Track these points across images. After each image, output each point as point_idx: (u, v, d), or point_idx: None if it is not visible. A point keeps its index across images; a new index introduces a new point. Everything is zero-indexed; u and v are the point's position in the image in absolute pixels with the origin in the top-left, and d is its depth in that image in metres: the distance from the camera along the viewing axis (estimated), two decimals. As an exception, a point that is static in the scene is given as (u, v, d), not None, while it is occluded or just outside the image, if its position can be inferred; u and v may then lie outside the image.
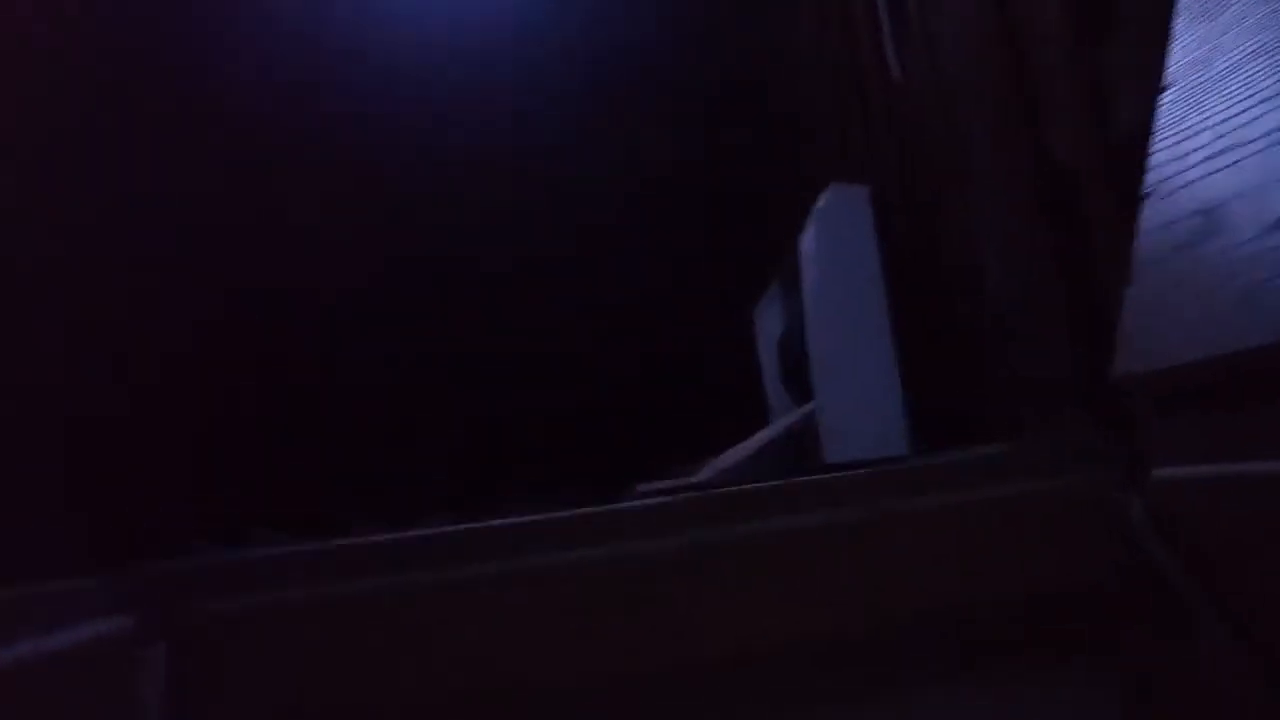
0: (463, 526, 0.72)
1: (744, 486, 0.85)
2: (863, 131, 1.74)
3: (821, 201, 1.64)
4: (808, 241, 1.64)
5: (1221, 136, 0.80)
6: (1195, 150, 0.84)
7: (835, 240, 1.63)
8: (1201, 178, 0.80)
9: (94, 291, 2.23)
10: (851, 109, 1.79)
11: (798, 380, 1.78)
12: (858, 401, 1.58)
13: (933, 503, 0.79)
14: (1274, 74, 0.75)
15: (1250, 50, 0.77)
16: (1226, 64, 0.83)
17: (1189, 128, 0.85)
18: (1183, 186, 0.82)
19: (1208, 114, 0.83)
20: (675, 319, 2.55)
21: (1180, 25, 0.90)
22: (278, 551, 0.74)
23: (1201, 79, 0.84)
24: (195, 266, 2.41)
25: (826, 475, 0.82)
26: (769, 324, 2.01)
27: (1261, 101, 0.73)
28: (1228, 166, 0.77)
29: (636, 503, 0.80)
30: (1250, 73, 0.77)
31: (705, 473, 1.60)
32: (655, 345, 2.57)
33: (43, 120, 2.20)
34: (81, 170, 2.27)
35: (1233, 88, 0.81)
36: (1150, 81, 0.97)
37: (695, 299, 2.53)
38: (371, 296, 2.55)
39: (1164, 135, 0.88)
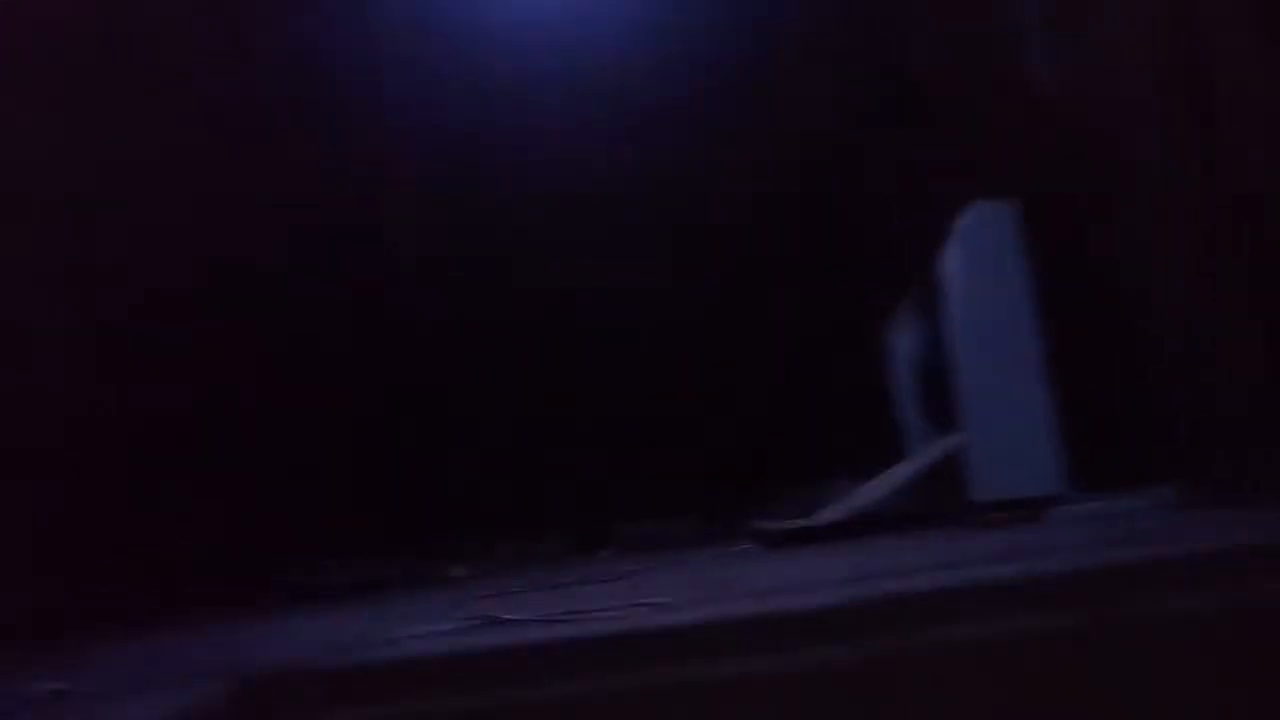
0: (632, 629, 0.61)
1: (971, 584, 0.68)
2: (1007, 142, 1.62)
3: (964, 220, 1.53)
4: (950, 262, 1.53)
5: None
6: None
7: (980, 261, 1.51)
8: None
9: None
10: (994, 118, 1.67)
11: (938, 408, 1.67)
12: (1008, 435, 1.45)
13: (1180, 607, 0.56)
14: None
15: None
16: None
17: None
18: None
19: None
20: (797, 341, 2.46)
21: None
22: (410, 656, 0.67)
23: None
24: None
25: (1060, 572, 0.64)
26: (903, 346, 1.89)
27: None
28: None
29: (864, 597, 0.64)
30: None
31: (839, 508, 1.51)
32: (773, 368, 2.48)
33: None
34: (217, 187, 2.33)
35: None
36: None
37: (816, 320, 2.43)
38: (480, 326, 2.56)
39: None
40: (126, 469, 2.01)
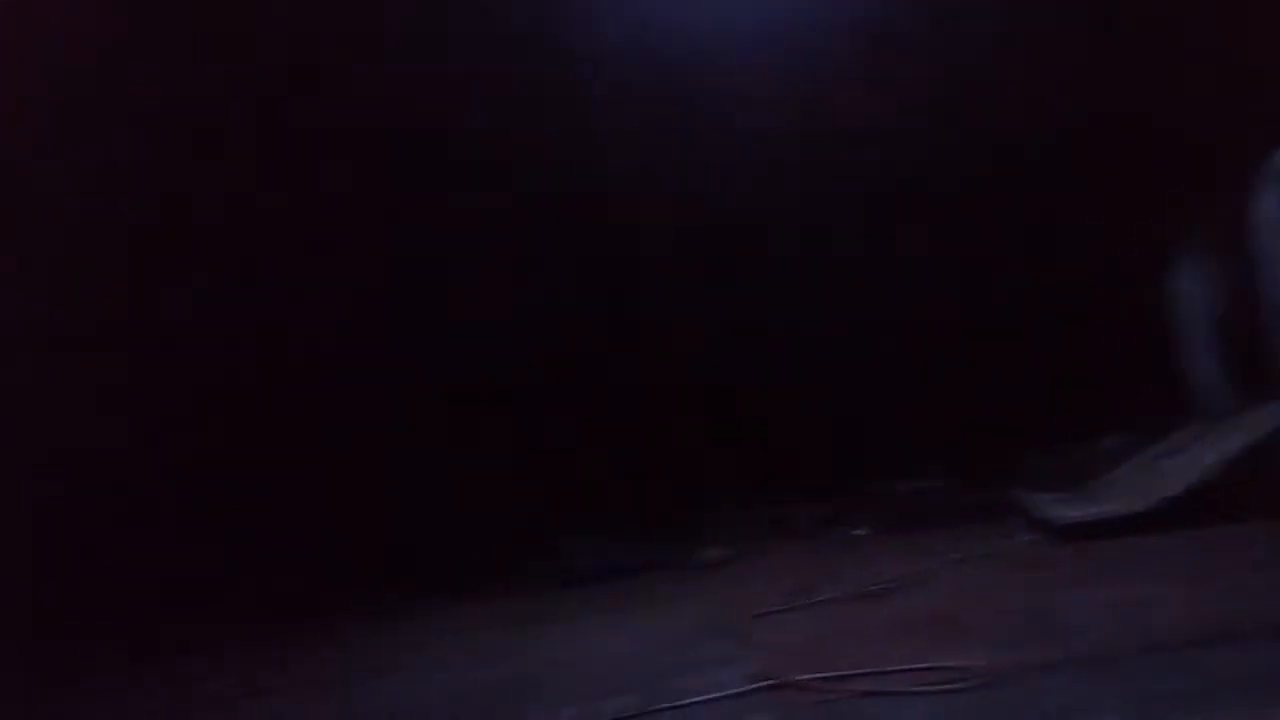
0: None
1: None
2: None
3: (1284, 156, 1.28)
4: (1267, 207, 1.30)
5: None
6: None
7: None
8: None
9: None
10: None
11: (1247, 367, 1.44)
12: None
13: None
14: None
15: None
16: None
17: None
18: None
19: None
20: (1072, 285, 2.22)
21: None
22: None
23: None
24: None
25: None
26: (1197, 295, 1.65)
27: None
28: None
29: None
30: None
31: (1138, 494, 1.33)
32: (1042, 313, 2.26)
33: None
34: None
35: None
36: None
37: (1094, 262, 2.18)
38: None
39: None
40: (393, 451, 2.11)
